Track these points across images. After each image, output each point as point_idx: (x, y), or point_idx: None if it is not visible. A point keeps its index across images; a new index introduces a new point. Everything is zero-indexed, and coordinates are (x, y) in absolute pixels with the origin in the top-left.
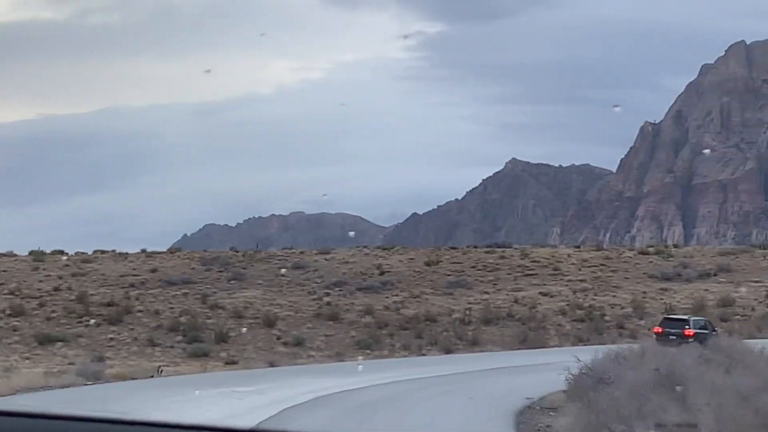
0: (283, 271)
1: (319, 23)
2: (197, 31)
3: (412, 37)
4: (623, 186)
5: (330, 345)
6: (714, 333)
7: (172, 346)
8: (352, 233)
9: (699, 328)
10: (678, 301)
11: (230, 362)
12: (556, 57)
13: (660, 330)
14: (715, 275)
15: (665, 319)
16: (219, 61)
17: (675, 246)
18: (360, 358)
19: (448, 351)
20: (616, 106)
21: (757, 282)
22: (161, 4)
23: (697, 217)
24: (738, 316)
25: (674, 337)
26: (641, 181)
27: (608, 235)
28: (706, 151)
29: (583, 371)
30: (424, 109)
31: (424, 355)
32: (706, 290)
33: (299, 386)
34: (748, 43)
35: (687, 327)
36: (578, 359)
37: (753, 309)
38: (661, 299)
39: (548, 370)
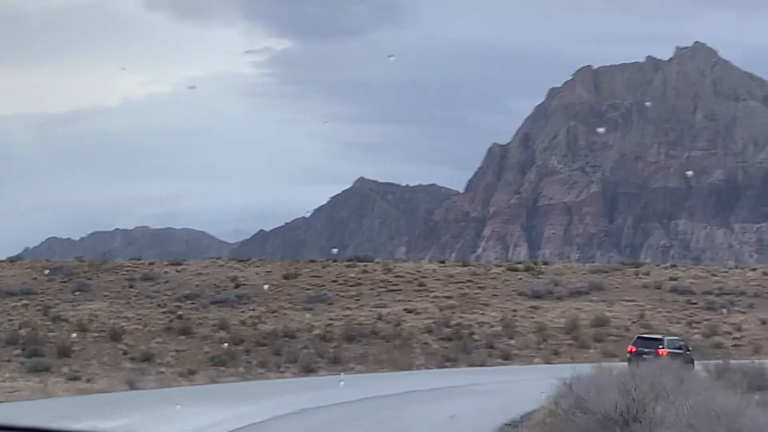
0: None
1: (167, 37)
2: (44, 41)
3: (260, 53)
4: (470, 206)
5: (181, 361)
6: (689, 353)
7: (9, 360)
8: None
9: (673, 348)
10: (550, 320)
11: (73, 378)
12: (405, 77)
13: (634, 349)
14: (587, 293)
15: (639, 338)
16: (65, 72)
17: (545, 263)
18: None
19: (309, 369)
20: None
21: (630, 301)
22: (5, 12)
23: (542, 239)
24: (612, 337)
25: (648, 357)
26: (488, 201)
27: (453, 254)
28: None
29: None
30: (273, 125)
31: (282, 373)
32: (579, 309)
33: (180, 420)
34: (594, 68)
35: (661, 346)
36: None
37: (627, 329)
38: (532, 318)
39: (467, 393)
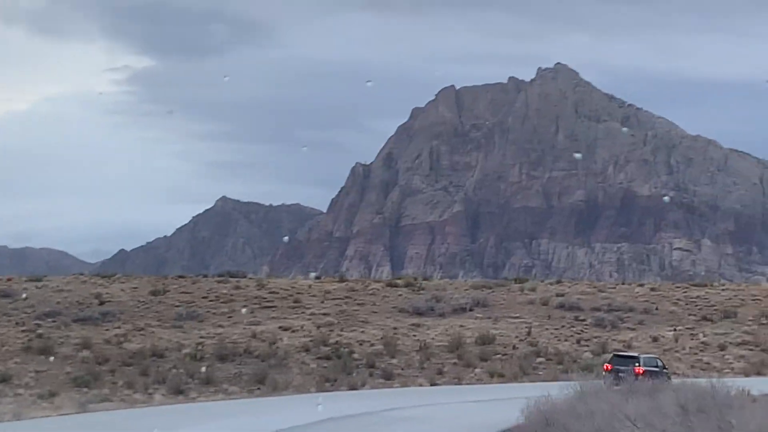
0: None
1: (25, 54)
2: None
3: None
4: (333, 226)
5: (41, 382)
6: (665, 371)
7: None
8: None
9: (650, 366)
10: (432, 338)
11: None
12: (267, 96)
13: (609, 367)
14: (471, 310)
15: (615, 356)
16: None
17: (425, 279)
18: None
19: (179, 391)
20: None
21: (516, 318)
22: None
23: (405, 258)
24: (499, 355)
25: (624, 375)
26: (351, 221)
27: (312, 275)
28: (578, 155)
29: None
30: (133, 144)
31: (150, 394)
32: (463, 326)
33: None
34: (457, 87)
35: (637, 364)
36: None
37: (515, 347)
38: (414, 335)
39: (396, 421)
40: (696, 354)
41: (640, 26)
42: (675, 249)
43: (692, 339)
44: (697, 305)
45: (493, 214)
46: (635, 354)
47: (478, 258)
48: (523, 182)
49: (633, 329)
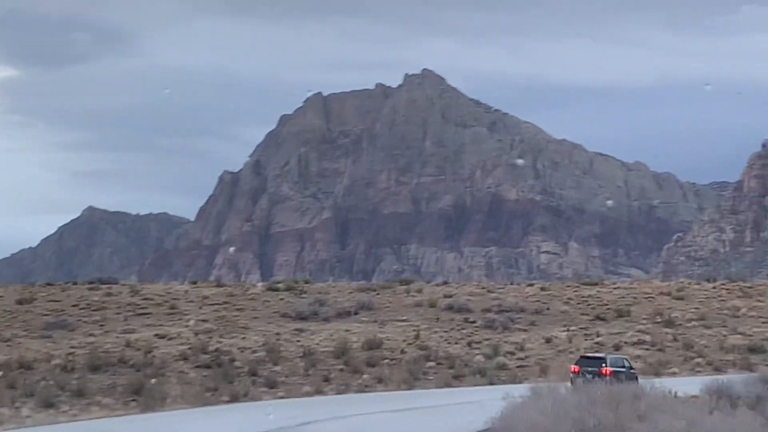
0: None
1: None
2: None
3: None
4: (201, 234)
5: None
6: (632, 371)
7: None
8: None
9: (616, 367)
10: (317, 343)
11: None
12: (132, 104)
13: (576, 369)
14: (356, 314)
15: (582, 357)
16: None
17: (306, 281)
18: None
19: (49, 404)
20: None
21: (403, 321)
22: None
23: (274, 265)
24: (387, 360)
25: (591, 376)
26: (219, 229)
27: (186, 282)
28: (519, 161)
29: None
30: None
31: (17, 408)
32: (348, 331)
33: None
34: (325, 94)
35: (604, 365)
36: None
37: (403, 352)
38: (298, 341)
39: None
40: None
41: (502, 32)
42: (542, 252)
43: (586, 339)
44: (589, 304)
45: (362, 220)
46: (602, 355)
47: (348, 264)
48: (392, 188)
49: (525, 330)
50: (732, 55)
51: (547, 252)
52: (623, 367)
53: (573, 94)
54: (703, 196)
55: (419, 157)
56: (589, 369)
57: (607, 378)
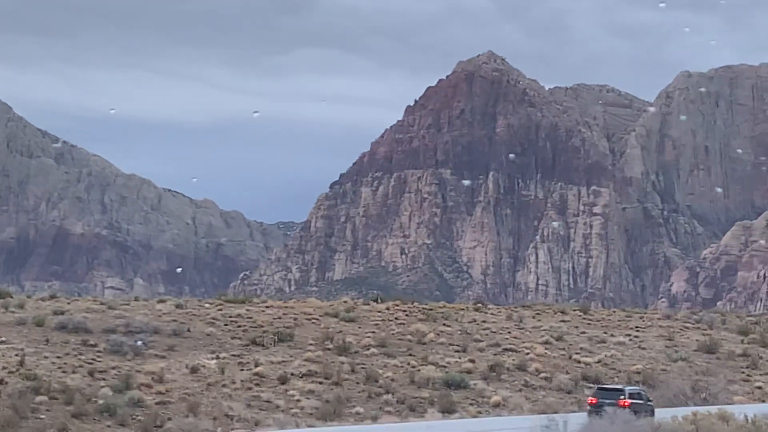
0: None
1: None
2: None
3: None
4: None
5: None
6: (649, 403)
7: None
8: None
9: (635, 399)
10: None
11: None
12: None
13: (594, 401)
14: None
15: (599, 389)
16: None
17: None
18: None
19: None
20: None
21: (2, 343)
22: None
23: None
24: None
25: (609, 408)
26: None
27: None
28: (555, 224)
29: None
30: None
31: None
32: None
33: None
34: None
35: (623, 397)
36: None
37: (2, 383)
38: None
39: None
40: (251, 389)
41: (56, 60)
42: (108, 288)
43: (243, 369)
44: (239, 325)
45: None
46: (620, 386)
47: None
48: None
49: (163, 357)
50: (288, 95)
51: (112, 287)
52: (641, 399)
53: (138, 128)
54: (269, 235)
55: None
56: (608, 401)
57: (626, 410)
